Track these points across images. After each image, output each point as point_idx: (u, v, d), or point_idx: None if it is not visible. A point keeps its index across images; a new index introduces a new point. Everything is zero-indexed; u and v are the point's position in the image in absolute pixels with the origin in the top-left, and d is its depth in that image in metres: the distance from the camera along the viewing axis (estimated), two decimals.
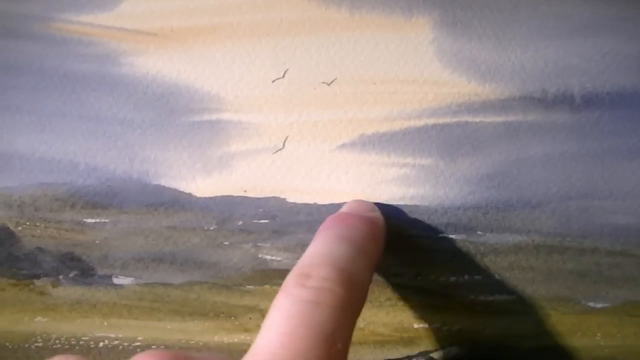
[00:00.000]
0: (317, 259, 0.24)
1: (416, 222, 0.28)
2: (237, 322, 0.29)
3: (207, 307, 0.29)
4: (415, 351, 0.30)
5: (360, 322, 0.28)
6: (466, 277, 0.28)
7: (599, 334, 0.28)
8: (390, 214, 0.28)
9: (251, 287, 0.29)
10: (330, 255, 0.24)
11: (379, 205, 0.28)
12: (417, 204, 0.28)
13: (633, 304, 0.28)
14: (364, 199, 0.28)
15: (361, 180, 0.28)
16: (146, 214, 0.28)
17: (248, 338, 0.29)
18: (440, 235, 0.28)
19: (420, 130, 0.27)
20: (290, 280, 0.23)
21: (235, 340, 0.30)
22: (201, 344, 0.29)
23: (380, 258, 0.26)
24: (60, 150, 0.28)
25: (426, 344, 0.29)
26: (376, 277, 0.28)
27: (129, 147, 0.28)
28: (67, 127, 0.28)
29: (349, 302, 0.22)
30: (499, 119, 0.27)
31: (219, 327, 0.29)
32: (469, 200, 0.28)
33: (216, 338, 0.30)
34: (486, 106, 0.27)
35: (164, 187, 0.28)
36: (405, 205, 0.28)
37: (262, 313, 0.28)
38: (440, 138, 0.27)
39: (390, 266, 0.28)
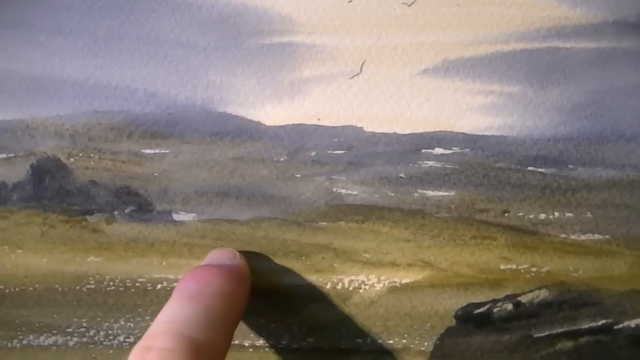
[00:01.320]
0: (161, 327, 0.32)
1: (503, 154, 0.38)
2: (308, 262, 0.40)
3: (275, 245, 0.40)
4: (502, 294, 0.40)
5: (443, 263, 0.40)
6: (556, 214, 0.39)
7: None
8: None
9: (324, 223, 0.40)
10: (175, 321, 0.32)
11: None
12: (504, 134, 0.38)
13: None
14: (447, 128, 0.39)
15: (444, 109, 0.38)
16: (210, 144, 0.39)
17: (320, 280, 0.41)
18: (529, 168, 0.39)
19: (508, 55, 0.38)
20: (132, 356, 0.30)
21: (307, 281, 0.41)
22: (269, 286, 0.41)
23: (242, 310, 0.36)
24: (117, 75, 0.39)
25: (513, 287, 0.40)
26: (460, 214, 0.39)
27: (192, 71, 0.39)
28: (125, 51, 0.39)
29: None
30: (591, 44, 0.37)
31: (288, 267, 0.40)
32: (559, 131, 0.38)
33: (285, 279, 0.41)
34: (577, 31, 0.37)
35: (230, 114, 0.39)
36: (492, 135, 0.38)
37: (336, 252, 0.40)
38: (529, 64, 0.38)
39: (475, 202, 0.39)
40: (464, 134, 0.38)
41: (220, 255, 0.38)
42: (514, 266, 0.40)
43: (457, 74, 0.38)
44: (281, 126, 0.39)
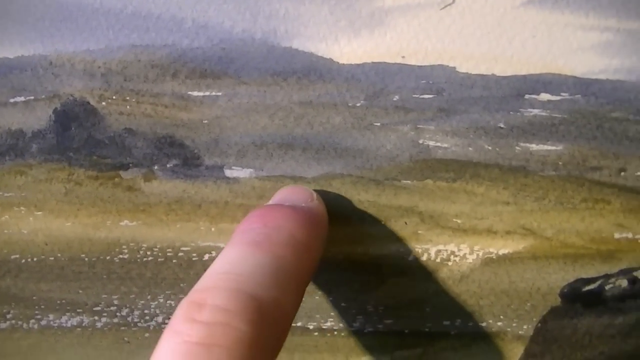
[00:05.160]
0: (217, 279, 0.29)
1: (620, 102, 0.36)
2: (387, 229, 0.38)
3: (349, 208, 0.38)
4: (616, 268, 0.38)
5: (548, 230, 0.37)
6: None
7: None
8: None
9: (408, 182, 0.38)
10: (235, 273, 0.29)
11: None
12: (622, 78, 0.36)
13: None
14: (555, 70, 0.36)
15: (552, 47, 0.36)
16: (272, 85, 0.37)
17: (402, 249, 0.38)
18: None
19: None
20: (179, 312, 0.28)
21: (385, 252, 0.38)
22: (341, 256, 0.38)
23: (315, 265, 0.34)
24: (160, 2, 0.36)
25: (630, 260, 0.38)
26: (569, 172, 0.37)
27: None
28: None
29: (256, 340, 0.27)
30: None
31: (363, 235, 0.38)
32: None
33: (360, 249, 0.38)
34: None
35: (296, 50, 0.36)
36: (607, 80, 0.36)
37: (422, 217, 0.38)
38: None
39: (586, 158, 0.37)
40: (575, 77, 0.36)
41: (294, 195, 0.35)
42: (630, 235, 0.38)
43: (567, 5, 0.35)
44: (358, 65, 0.36)
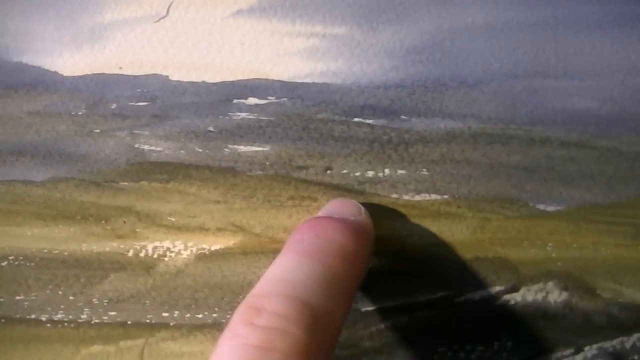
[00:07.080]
0: (274, 286, 0.31)
1: (326, 104, 0.38)
2: (108, 227, 0.41)
3: (73, 208, 0.41)
4: None
5: (257, 227, 0.40)
6: (387, 171, 0.39)
7: (550, 244, 0.39)
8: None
9: (126, 183, 0.41)
10: (290, 281, 0.31)
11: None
12: (328, 81, 0.39)
13: (592, 206, 0.38)
14: (262, 75, 0.39)
15: (259, 54, 0.39)
16: (4, 97, 0.41)
17: (122, 246, 0.41)
18: (356, 119, 0.39)
19: None
20: (238, 315, 0.29)
21: (107, 249, 0.41)
22: (66, 253, 0.42)
23: (363, 276, 0.35)
24: None
25: None
26: (276, 172, 0.40)
27: None
28: None
29: (310, 346, 0.28)
30: None
31: (87, 233, 0.41)
32: (391, 77, 0.38)
33: (84, 246, 0.42)
34: None
35: (25, 64, 0.40)
36: (313, 83, 0.39)
37: (139, 216, 0.40)
38: (357, 2, 0.38)
39: (293, 157, 0.39)
40: (281, 81, 0.39)
41: (344, 208, 0.37)
42: None
43: (274, 14, 0.38)
44: (80, 76, 0.40)
